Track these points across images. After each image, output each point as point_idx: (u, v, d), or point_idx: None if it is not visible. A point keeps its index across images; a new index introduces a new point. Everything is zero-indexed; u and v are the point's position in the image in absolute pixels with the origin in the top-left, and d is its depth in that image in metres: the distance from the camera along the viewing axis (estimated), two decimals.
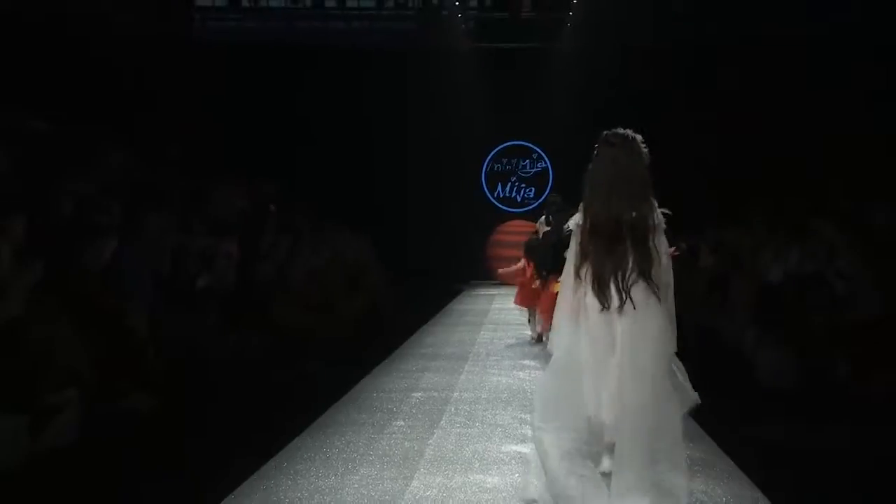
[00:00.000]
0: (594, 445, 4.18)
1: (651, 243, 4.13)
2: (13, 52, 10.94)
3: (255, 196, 12.24)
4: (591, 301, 4.13)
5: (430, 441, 5.46)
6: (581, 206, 4.27)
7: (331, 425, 5.90)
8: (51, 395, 5.42)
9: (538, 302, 9.89)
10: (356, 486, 4.56)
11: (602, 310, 4.10)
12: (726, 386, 7.41)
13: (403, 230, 18.66)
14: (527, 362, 8.69)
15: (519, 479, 4.64)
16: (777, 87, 17.29)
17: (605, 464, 4.25)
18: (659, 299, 4.09)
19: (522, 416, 6.20)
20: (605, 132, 4.36)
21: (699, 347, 9.47)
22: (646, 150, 4.27)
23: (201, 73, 17.63)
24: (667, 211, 4.26)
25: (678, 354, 4.18)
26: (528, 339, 10.37)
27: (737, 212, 14.03)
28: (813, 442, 5.67)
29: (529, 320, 10.53)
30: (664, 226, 4.22)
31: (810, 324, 7.71)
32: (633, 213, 4.13)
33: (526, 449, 5.15)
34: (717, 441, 5.44)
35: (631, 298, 4.06)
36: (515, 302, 10.81)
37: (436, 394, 7.01)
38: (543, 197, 19.77)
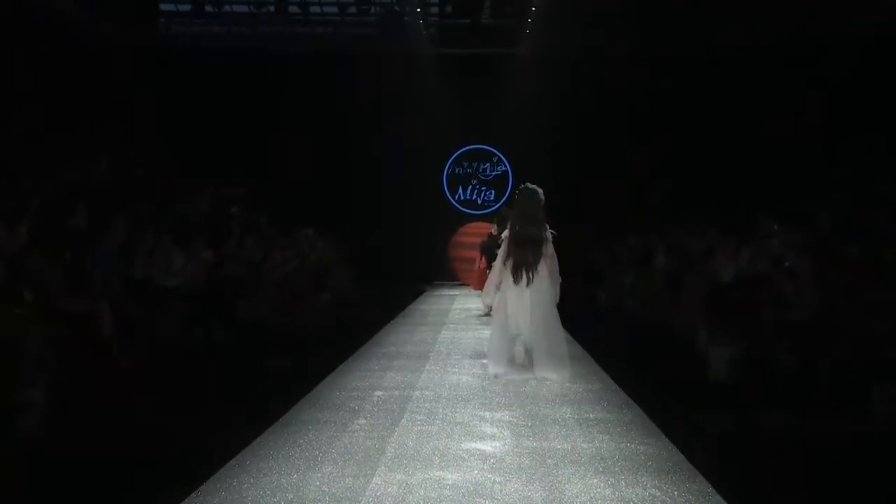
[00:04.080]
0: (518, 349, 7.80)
1: (542, 248, 7.58)
2: None
3: (220, 199, 12.10)
4: (510, 279, 7.62)
5: (392, 439, 5.40)
6: (508, 227, 7.80)
7: (293, 423, 5.80)
8: (19, 391, 5.32)
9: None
10: (318, 483, 4.49)
11: (516, 284, 7.56)
12: (680, 380, 7.48)
13: (368, 231, 18.56)
14: (486, 361, 8.64)
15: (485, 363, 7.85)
16: (728, 95, 17.45)
17: (520, 358, 7.73)
18: (548, 276, 7.54)
19: (482, 413, 6.17)
20: (520, 186, 7.84)
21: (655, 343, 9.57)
22: (542, 195, 7.67)
23: (171, 78, 17.42)
24: (553, 231, 7.65)
25: None
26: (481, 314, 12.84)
27: (691, 216, 14.12)
28: (760, 431, 5.74)
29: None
30: (551, 237, 7.61)
31: (758, 321, 7.79)
32: (534, 231, 7.59)
33: (485, 447, 5.24)
34: (668, 435, 5.43)
35: (532, 277, 7.52)
36: (473, 287, 14.54)
37: (397, 392, 6.94)
38: (504, 199, 19.82)
